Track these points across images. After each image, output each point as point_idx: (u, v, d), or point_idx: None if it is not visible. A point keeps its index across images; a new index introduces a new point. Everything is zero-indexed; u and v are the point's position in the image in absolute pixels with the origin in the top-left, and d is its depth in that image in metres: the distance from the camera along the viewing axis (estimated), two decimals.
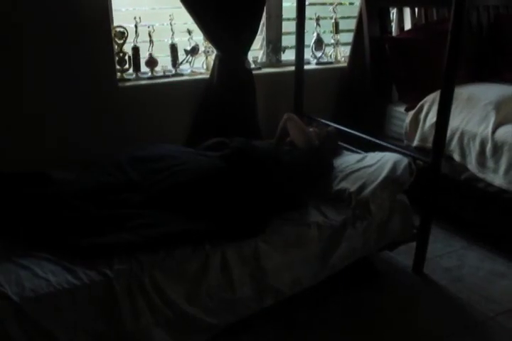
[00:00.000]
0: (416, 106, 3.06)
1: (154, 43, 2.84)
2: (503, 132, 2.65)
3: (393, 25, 3.44)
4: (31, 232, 1.83)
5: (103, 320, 1.69)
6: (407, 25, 3.44)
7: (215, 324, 1.89)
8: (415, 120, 3.06)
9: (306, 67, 3.13)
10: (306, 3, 2.93)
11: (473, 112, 2.81)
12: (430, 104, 2.96)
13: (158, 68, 2.89)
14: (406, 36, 3.33)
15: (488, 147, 2.65)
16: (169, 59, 2.92)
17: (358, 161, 2.48)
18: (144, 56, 2.84)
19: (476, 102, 2.85)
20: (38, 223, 1.84)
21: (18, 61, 2.41)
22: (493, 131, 2.66)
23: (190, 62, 2.98)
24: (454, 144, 2.82)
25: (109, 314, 1.69)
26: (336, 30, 3.46)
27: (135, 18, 2.74)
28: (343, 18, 3.48)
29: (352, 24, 3.38)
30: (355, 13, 3.33)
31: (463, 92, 2.85)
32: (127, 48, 2.78)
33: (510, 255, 2.64)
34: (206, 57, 3.00)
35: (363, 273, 2.44)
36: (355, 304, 2.28)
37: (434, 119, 2.33)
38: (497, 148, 2.62)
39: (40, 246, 1.78)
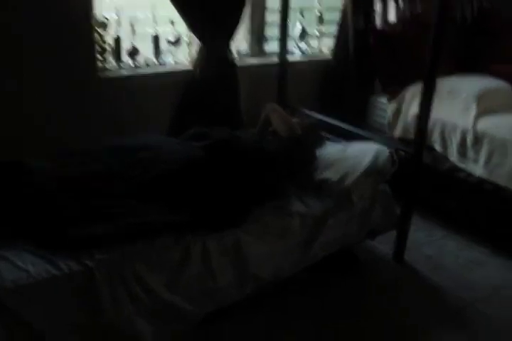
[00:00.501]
0: (398, 97, 3.08)
1: (136, 34, 2.81)
2: (483, 124, 2.69)
3: (377, 17, 3.44)
4: (10, 223, 1.81)
5: (84, 310, 1.68)
6: (391, 18, 3.45)
7: (197, 312, 1.89)
8: (397, 111, 3.08)
9: (289, 58, 3.13)
10: None
11: (455, 104, 2.84)
12: (412, 96, 2.99)
13: (140, 59, 2.88)
14: (390, 28, 3.35)
15: (469, 138, 2.69)
16: (152, 50, 2.90)
17: (341, 151, 2.48)
18: (125, 47, 2.81)
19: (457, 94, 2.89)
20: (17, 214, 1.82)
21: None
22: (474, 123, 2.70)
23: (172, 53, 2.97)
24: (435, 135, 2.84)
25: (89, 304, 1.68)
26: (320, 21, 3.46)
27: (116, 7, 2.72)
28: (327, 9, 3.48)
29: (336, 15, 3.38)
30: (340, 5, 3.33)
31: (445, 84, 2.85)
32: (108, 39, 2.75)
33: (489, 244, 2.67)
34: (189, 48, 2.98)
35: (344, 261, 2.46)
36: (336, 292, 2.30)
37: (416, 110, 2.35)
38: (477, 139, 2.66)
39: (20, 237, 1.76)
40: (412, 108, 2.97)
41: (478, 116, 2.73)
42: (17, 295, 1.56)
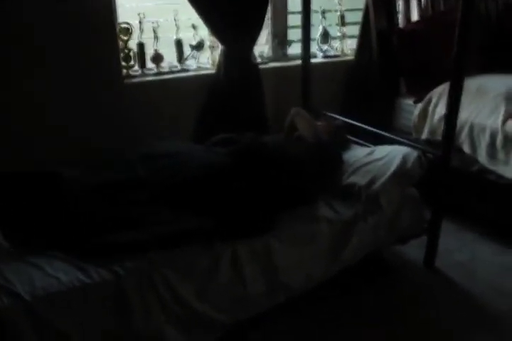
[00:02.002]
0: (424, 98, 3.03)
1: (159, 39, 2.82)
2: None
3: (400, 16, 3.40)
4: (42, 231, 1.83)
5: (114, 318, 1.68)
6: (414, 17, 3.40)
7: (226, 321, 1.88)
8: (424, 112, 3.03)
9: (312, 60, 3.11)
10: None
11: (483, 104, 2.78)
12: (439, 96, 2.94)
13: (164, 64, 2.88)
14: (413, 27, 3.30)
15: (499, 139, 2.62)
16: (175, 55, 2.91)
17: (367, 155, 2.45)
18: (149, 52, 2.82)
19: (485, 94, 2.83)
20: (48, 222, 1.84)
21: (21, 58, 2.40)
22: (503, 123, 2.64)
23: (195, 58, 2.97)
24: (463, 136, 2.79)
25: (119, 312, 1.69)
26: (342, 22, 3.43)
27: (139, 14, 2.73)
28: (348, 10, 3.45)
29: (358, 16, 3.35)
30: (361, 5, 3.30)
31: (472, 84, 2.80)
32: (132, 45, 2.76)
33: None
34: (212, 52, 2.98)
35: (374, 268, 2.42)
36: (366, 299, 2.27)
37: (443, 111, 2.31)
38: (507, 140, 2.59)
39: (52, 245, 1.77)
40: (438, 109, 2.92)
41: (508, 115, 2.66)
42: (48, 303, 1.57)
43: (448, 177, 2.33)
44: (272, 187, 2.06)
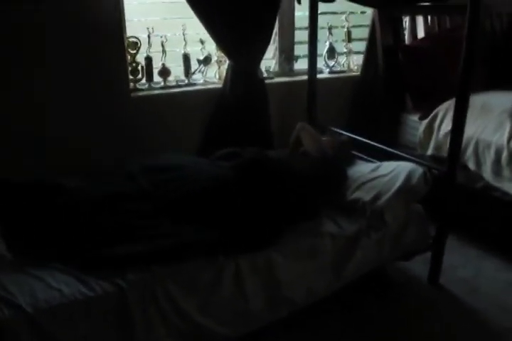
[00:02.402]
0: (430, 114, 3.04)
1: (167, 53, 2.85)
2: None
3: (406, 33, 3.43)
4: (44, 243, 1.83)
5: (116, 332, 1.68)
6: (420, 34, 3.43)
7: (228, 334, 1.87)
8: (429, 129, 3.03)
9: (318, 76, 3.13)
10: (318, 12, 2.93)
11: (488, 120, 2.78)
12: (444, 113, 2.94)
13: (171, 78, 2.91)
14: (419, 44, 3.32)
15: (504, 155, 2.62)
16: (182, 69, 2.94)
17: (372, 171, 2.45)
18: (156, 66, 2.85)
19: (490, 110, 2.83)
20: (50, 234, 1.85)
21: (28, 71, 2.43)
22: (509, 140, 2.63)
23: (202, 72, 3.00)
24: (468, 153, 2.78)
25: (122, 325, 1.68)
26: (349, 38, 3.46)
27: (148, 28, 2.76)
28: (355, 26, 3.48)
29: (364, 33, 3.38)
30: (368, 22, 3.33)
31: (477, 100, 2.80)
32: (140, 58, 2.79)
33: None
34: (219, 67, 3.01)
35: (377, 283, 2.41)
36: (370, 315, 2.25)
37: (449, 128, 2.31)
38: None
39: (53, 256, 1.78)
40: (444, 125, 2.92)
41: None
42: (50, 315, 1.57)
43: (453, 193, 2.32)
44: (275, 202, 2.06)
